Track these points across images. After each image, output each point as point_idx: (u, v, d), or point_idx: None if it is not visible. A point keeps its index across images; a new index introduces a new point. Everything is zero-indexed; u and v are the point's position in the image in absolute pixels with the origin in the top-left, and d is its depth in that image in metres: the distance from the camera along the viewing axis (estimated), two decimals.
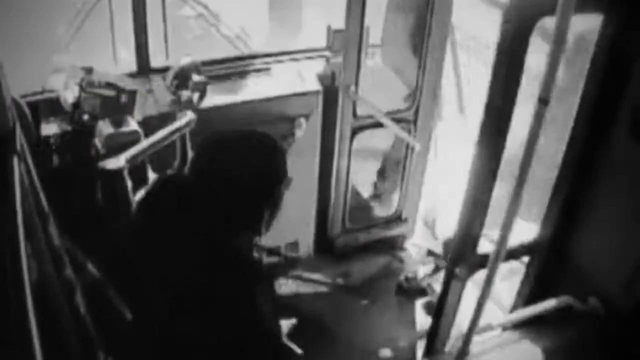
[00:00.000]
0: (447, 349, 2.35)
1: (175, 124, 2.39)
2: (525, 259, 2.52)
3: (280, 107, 3.10)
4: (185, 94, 2.95)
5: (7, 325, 1.25)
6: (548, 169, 2.27)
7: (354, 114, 3.25)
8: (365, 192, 3.80)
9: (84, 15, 3.68)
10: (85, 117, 2.51)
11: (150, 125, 2.46)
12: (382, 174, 3.64)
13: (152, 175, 2.43)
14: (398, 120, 3.32)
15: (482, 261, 2.10)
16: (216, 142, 1.60)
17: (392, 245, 3.74)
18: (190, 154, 2.50)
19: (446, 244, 2.28)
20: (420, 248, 3.80)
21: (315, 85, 3.20)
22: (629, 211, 2.09)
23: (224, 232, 1.57)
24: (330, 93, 3.22)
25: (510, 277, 3.30)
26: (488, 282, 1.97)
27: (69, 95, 2.52)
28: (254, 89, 3.16)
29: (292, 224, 3.56)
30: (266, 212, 1.64)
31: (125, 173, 2.13)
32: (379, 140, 3.60)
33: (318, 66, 3.30)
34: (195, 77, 2.95)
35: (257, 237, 1.71)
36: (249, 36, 6.20)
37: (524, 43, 1.76)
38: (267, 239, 3.41)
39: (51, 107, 2.59)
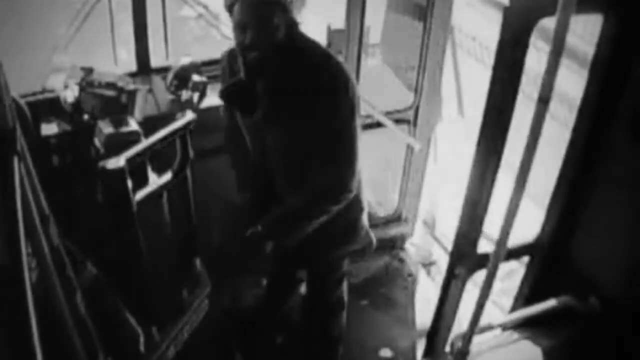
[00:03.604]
0: (447, 349, 2.35)
1: (175, 124, 2.39)
2: (525, 259, 2.53)
3: None
4: (185, 94, 2.95)
5: (7, 325, 1.25)
6: None
7: None
8: None
9: (84, 15, 3.68)
10: (85, 117, 2.51)
11: (150, 125, 2.46)
12: None
13: (152, 175, 2.43)
14: (398, 121, 3.32)
15: (482, 261, 2.10)
16: None
17: (392, 245, 3.74)
18: (190, 154, 2.50)
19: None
20: (419, 248, 3.81)
21: None
22: (629, 211, 2.10)
23: None
24: None
25: (510, 277, 3.31)
26: (488, 282, 1.97)
27: (69, 95, 2.52)
28: None
29: None
30: None
31: (125, 173, 2.12)
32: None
33: None
34: (195, 77, 2.95)
35: None
36: None
37: (524, 43, 1.76)
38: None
39: (51, 107, 2.59)
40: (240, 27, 2.01)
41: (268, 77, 2.11)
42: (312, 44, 2.15)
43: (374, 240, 2.54)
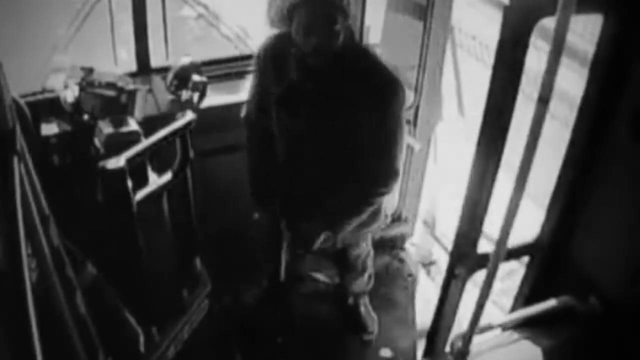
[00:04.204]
0: (447, 349, 2.35)
1: (175, 124, 2.39)
2: (525, 259, 2.52)
3: None
4: (185, 94, 2.95)
5: (7, 325, 1.25)
6: None
7: None
8: None
9: (84, 15, 3.68)
10: (85, 117, 2.51)
11: (150, 125, 2.46)
12: None
13: (152, 175, 2.43)
14: None
15: (482, 261, 2.10)
16: None
17: (392, 245, 3.74)
18: (190, 154, 2.50)
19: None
20: (419, 248, 3.81)
21: None
22: (629, 211, 2.10)
23: None
24: None
25: (510, 277, 3.31)
26: (488, 282, 1.97)
27: (69, 95, 2.52)
28: None
29: None
30: None
31: (125, 173, 2.12)
32: None
33: None
34: (195, 77, 2.94)
35: None
36: (249, 36, 6.20)
37: (524, 43, 1.76)
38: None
39: (51, 107, 2.59)
40: (304, 31, 2.06)
41: (329, 81, 2.19)
42: (367, 50, 2.31)
43: (389, 215, 2.80)
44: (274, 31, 2.32)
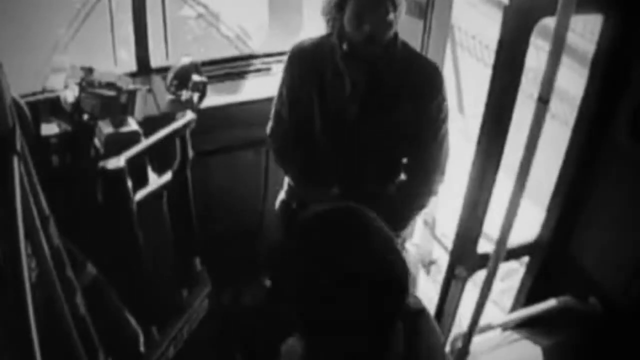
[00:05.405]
0: (447, 349, 2.35)
1: (175, 124, 2.39)
2: (526, 259, 2.53)
3: None
4: (185, 94, 2.94)
5: (7, 324, 1.25)
6: None
7: None
8: None
9: (84, 15, 3.68)
10: (85, 117, 2.51)
11: (150, 125, 2.46)
12: None
13: (152, 175, 2.43)
14: None
15: (482, 261, 2.11)
16: None
17: None
18: (190, 154, 2.49)
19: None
20: (419, 248, 3.81)
21: None
22: (629, 211, 2.10)
23: None
24: None
25: (510, 277, 3.31)
26: (488, 282, 1.97)
27: (69, 95, 2.52)
28: (254, 89, 3.15)
29: None
30: None
31: (125, 173, 2.12)
32: None
33: None
34: (195, 77, 2.94)
35: None
36: (249, 36, 6.20)
37: (524, 43, 1.76)
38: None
39: (51, 107, 2.59)
40: (357, 19, 2.05)
41: (380, 75, 2.16)
42: (409, 45, 2.26)
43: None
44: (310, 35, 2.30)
